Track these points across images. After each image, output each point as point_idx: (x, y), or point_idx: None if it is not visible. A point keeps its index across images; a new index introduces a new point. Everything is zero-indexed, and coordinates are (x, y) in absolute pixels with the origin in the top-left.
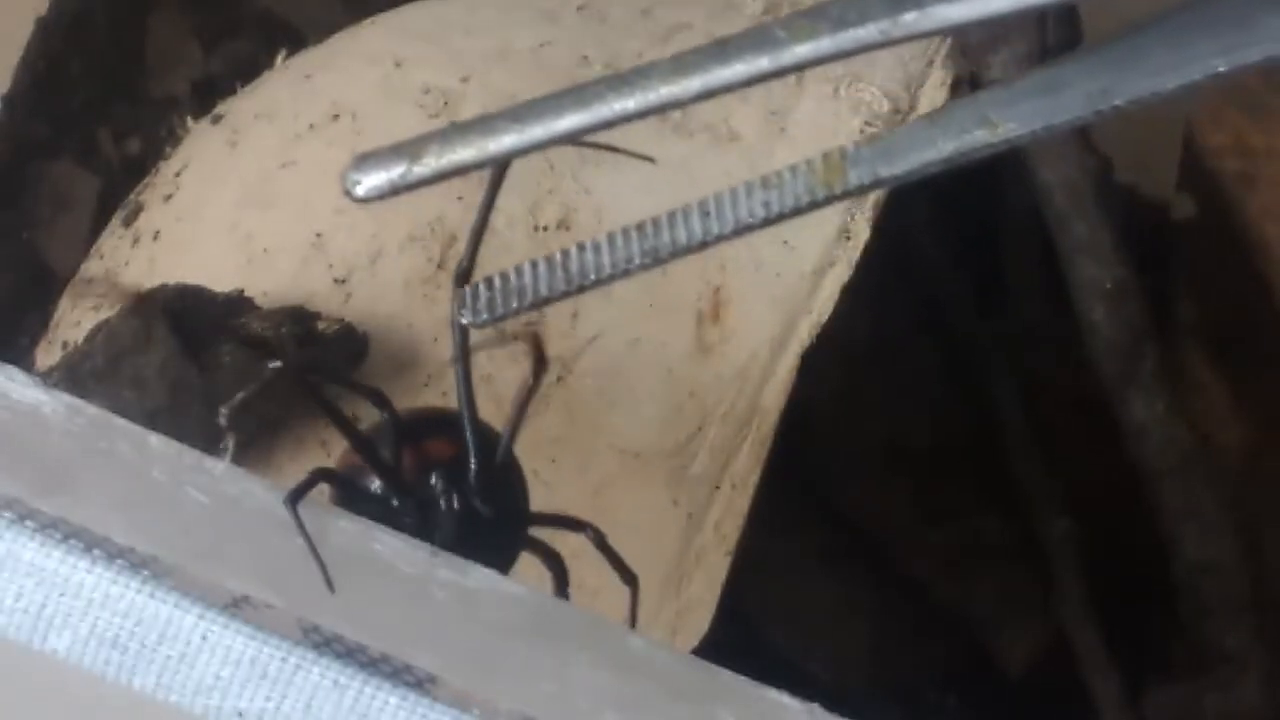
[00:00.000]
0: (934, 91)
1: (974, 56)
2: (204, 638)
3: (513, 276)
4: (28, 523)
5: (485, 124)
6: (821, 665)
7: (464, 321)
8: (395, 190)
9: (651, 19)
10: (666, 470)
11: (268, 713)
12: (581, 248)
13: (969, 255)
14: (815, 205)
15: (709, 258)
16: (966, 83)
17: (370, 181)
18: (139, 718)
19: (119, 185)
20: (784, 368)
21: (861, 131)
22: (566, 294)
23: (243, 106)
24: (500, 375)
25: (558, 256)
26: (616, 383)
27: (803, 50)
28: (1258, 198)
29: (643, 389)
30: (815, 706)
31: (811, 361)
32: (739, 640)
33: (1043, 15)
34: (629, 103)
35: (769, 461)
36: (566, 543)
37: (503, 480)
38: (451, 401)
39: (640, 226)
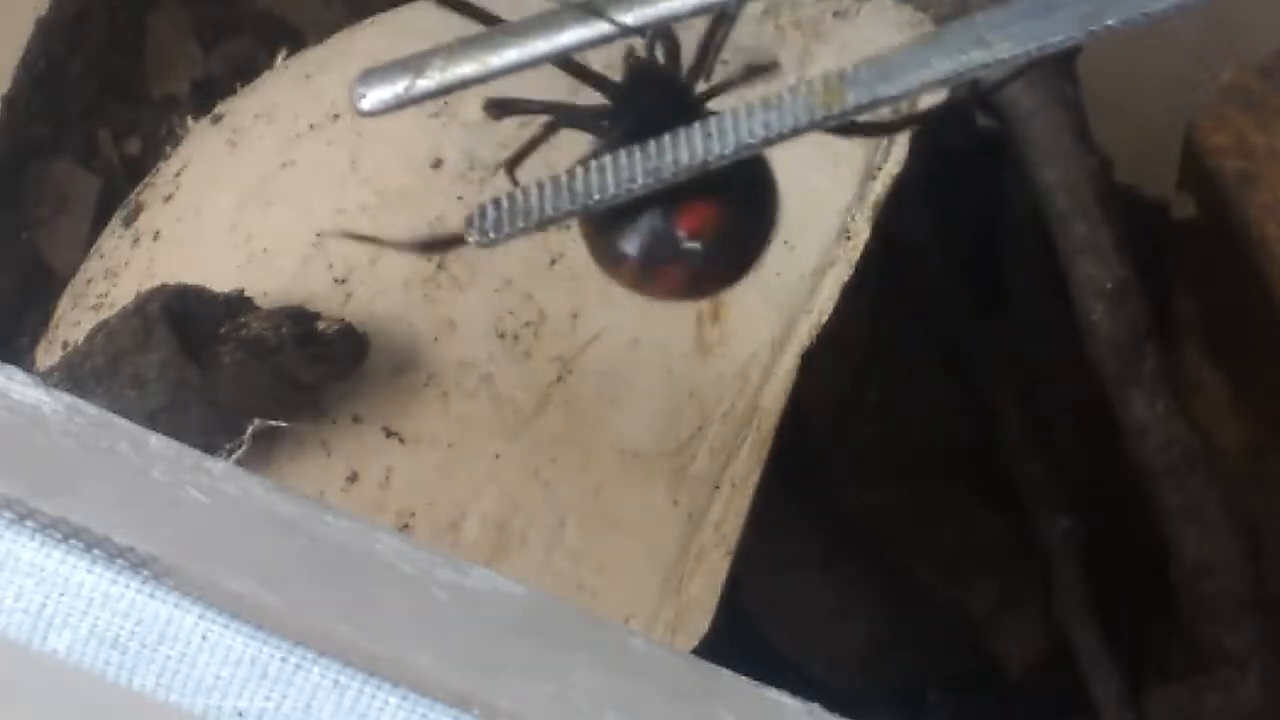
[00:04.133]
0: None
1: None
2: (204, 638)
3: (519, 197)
4: (28, 523)
5: (488, 39)
6: (821, 665)
7: (471, 240)
8: (400, 104)
9: None
10: (666, 470)
11: (268, 713)
12: (586, 168)
13: (969, 255)
14: (814, 125)
15: None
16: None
17: (376, 95)
18: (139, 718)
19: (119, 185)
20: (784, 368)
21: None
22: (571, 213)
23: (243, 106)
24: (500, 374)
25: (563, 177)
26: (617, 383)
27: None
28: (1258, 197)
29: (643, 389)
30: (815, 706)
31: (811, 361)
32: (739, 640)
33: None
34: (628, 17)
35: (769, 461)
36: (572, 542)
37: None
38: (450, 403)
39: (644, 147)
